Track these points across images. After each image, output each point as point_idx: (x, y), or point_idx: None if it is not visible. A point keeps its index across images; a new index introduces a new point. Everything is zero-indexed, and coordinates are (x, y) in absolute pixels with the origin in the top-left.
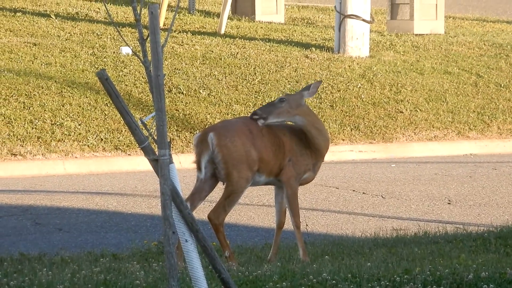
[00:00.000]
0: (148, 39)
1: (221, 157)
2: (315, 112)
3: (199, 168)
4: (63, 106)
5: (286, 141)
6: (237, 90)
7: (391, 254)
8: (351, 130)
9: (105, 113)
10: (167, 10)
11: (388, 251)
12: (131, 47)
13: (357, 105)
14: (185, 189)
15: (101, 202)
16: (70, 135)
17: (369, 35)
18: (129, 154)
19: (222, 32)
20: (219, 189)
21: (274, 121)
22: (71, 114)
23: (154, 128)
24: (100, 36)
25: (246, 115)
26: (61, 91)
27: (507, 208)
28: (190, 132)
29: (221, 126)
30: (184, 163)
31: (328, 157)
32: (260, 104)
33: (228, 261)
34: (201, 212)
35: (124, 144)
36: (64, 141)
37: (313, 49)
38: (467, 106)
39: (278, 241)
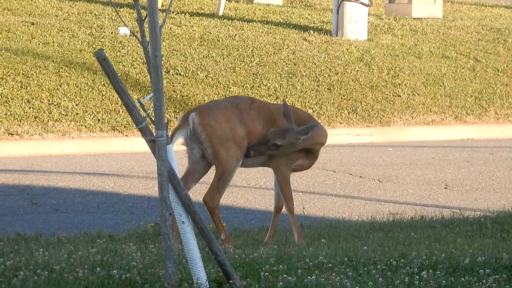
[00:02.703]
0: (146, 19)
1: (205, 135)
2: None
3: (170, 139)
4: (60, 86)
5: (281, 123)
6: (234, 72)
7: (387, 238)
8: (349, 114)
9: (102, 94)
10: None
11: (384, 235)
12: (129, 28)
13: (354, 89)
14: (182, 170)
15: (98, 183)
16: (68, 115)
17: (367, 18)
18: (126, 135)
19: (220, 13)
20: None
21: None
22: (68, 94)
23: (152, 109)
24: (98, 16)
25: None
26: (59, 71)
27: (504, 193)
28: None
29: (205, 105)
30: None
31: None
32: (258, 87)
33: (224, 243)
34: (198, 194)
35: (122, 124)
36: (61, 121)
37: (311, 31)
38: (464, 90)
39: (275, 224)
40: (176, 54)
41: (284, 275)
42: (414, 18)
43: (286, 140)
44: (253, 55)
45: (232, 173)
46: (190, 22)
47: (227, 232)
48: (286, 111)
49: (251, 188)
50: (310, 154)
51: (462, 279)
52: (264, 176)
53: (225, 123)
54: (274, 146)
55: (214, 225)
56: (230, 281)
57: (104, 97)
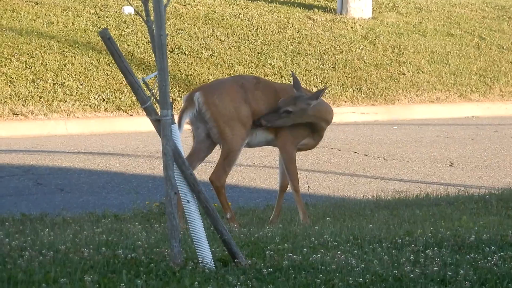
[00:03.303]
0: None
1: (210, 114)
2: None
3: (179, 122)
4: (65, 66)
5: None
6: (239, 50)
7: (392, 216)
8: (353, 92)
9: (107, 73)
10: None
11: (389, 213)
12: (134, 7)
13: (359, 67)
14: (187, 149)
15: (103, 163)
16: (72, 95)
17: None
18: (131, 115)
19: None
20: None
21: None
22: (73, 74)
23: (157, 88)
24: None
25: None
26: (63, 51)
27: (509, 171)
28: None
29: (209, 85)
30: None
31: None
32: (263, 65)
33: (230, 222)
34: (203, 173)
35: (126, 104)
36: (66, 101)
37: (316, 10)
38: (469, 68)
39: (281, 203)
40: (181, 33)
41: (290, 254)
42: None
43: (297, 106)
44: (257, 34)
45: (238, 152)
46: (194, 1)
47: (233, 211)
48: (295, 80)
49: (256, 167)
50: (315, 133)
51: (468, 256)
52: (269, 155)
53: (230, 102)
54: (285, 113)
55: (219, 204)
56: (236, 260)
57: (108, 76)
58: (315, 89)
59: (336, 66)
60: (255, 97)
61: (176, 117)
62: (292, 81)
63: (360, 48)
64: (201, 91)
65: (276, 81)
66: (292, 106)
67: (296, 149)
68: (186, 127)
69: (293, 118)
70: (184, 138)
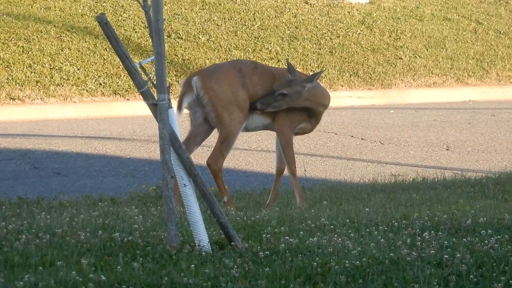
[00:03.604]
0: None
1: (208, 99)
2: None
3: (179, 107)
4: (62, 51)
5: None
6: (236, 35)
7: (389, 199)
8: (350, 76)
9: (104, 58)
10: None
11: (386, 196)
12: None
13: (356, 51)
14: (184, 134)
15: (100, 147)
16: (69, 80)
17: None
18: (128, 99)
19: None
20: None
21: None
22: (70, 59)
23: (153, 73)
24: None
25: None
26: (60, 36)
27: (506, 154)
28: None
29: (207, 69)
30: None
31: None
32: (260, 50)
33: (226, 206)
34: (200, 157)
35: (123, 89)
36: (63, 86)
37: None
38: (466, 52)
39: (277, 186)
40: (178, 18)
41: (286, 237)
42: None
43: (292, 88)
44: (254, 19)
45: (235, 136)
46: None
47: (230, 195)
48: (289, 65)
49: (253, 151)
50: (312, 117)
51: (464, 240)
52: (265, 138)
53: (227, 86)
54: (280, 96)
55: (216, 187)
56: (232, 243)
57: (105, 61)
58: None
59: (333, 51)
60: (253, 82)
61: (173, 102)
62: (287, 67)
63: (357, 32)
64: (199, 76)
65: (273, 66)
66: (287, 89)
67: (293, 133)
68: (185, 111)
69: (288, 101)
70: (181, 122)
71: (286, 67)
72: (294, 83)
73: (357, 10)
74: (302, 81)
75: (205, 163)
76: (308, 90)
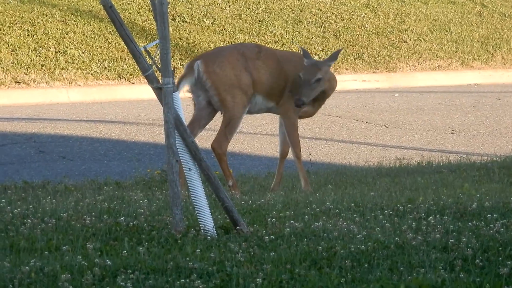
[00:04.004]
0: None
1: (211, 83)
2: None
3: (177, 86)
4: (67, 34)
5: (290, 72)
6: (240, 18)
7: (394, 183)
8: (355, 60)
9: (108, 41)
10: None
11: (391, 180)
12: None
13: (361, 35)
14: (188, 117)
15: (105, 131)
16: (74, 63)
17: None
18: (132, 83)
19: None
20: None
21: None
22: (74, 42)
23: (158, 56)
24: None
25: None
26: (65, 19)
27: (511, 138)
28: None
29: (210, 53)
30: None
31: None
32: (264, 33)
33: (231, 190)
34: (205, 141)
35: (128, 72)
36: (67, 69)
37: None
38: (471, 36)
39: (281, 170)
40: (182, 1)
41: (291, 221)
42: None
43: (323, 70)
44: (259, 2)
45: (239, 119)
46: None
47: (234, 179)
48: (304, 51)
49: (257, 134)
50: (316, 101)
51: (470, 224)
52: (270, 122)
53: (230, 70)
54: (316, 82)
55: (221, 171)
56: (237, 227)
57: (110, 45)
58: (316, 57)
59: (338, 34)
60: (256, 66)
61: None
62: (302, 52)
63: (362, 15)
64: (202, 59)
65: (278, 49)
66: (319, 72)
67: (298, 117)
68: (187, 95)
69: (322, 84)
70: (186, 106)
71: (290, 50)
72: (321, 65)
73: None
74: (327, 61)
75: (210, 147)
76: (326, 73)
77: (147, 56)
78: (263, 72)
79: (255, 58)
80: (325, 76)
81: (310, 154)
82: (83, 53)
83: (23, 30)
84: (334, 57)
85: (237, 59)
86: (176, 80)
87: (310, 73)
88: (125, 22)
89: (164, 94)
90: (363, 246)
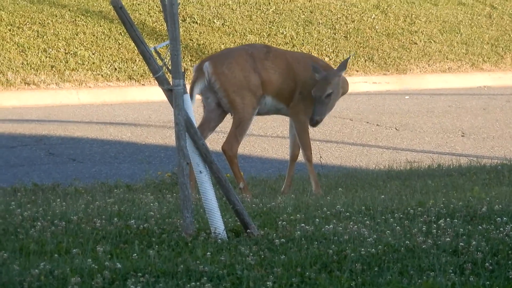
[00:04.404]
0: None
1: (220, 84)
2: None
3: (191, 94)
4: (76, 35)
5: (300, 73)
6: (251, 20)
7: (404, 186)
8: (365, 62)
9: (119, 43)
10: None
11: (402, 183)
12: None
13: (371, 36)
14: (199, 119)
15: (115, 133)
16: (84, 65)
17: None
18: (143, 84)
19: None
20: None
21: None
22: (85, 43)
23: (168, 58)
24: None
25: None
26: (75, 20)
27: None
28: None
29: (218, 54)
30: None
31: None
32: (275, 35)
33: (242, 192)
34: (215, 143)
35: (138, 74)
36: (78, 71)
37: None
38: (481, 37)
39: (292, 173)
40: (193, 2)
41: (302, 224)
42: None
43: (332, 83)
44: (269, 3)
45: (249, 121)
46: None
47: (245, 181)
48: (314, 67)
49: (268, 137)
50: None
51: (480, 227)
52: (281, 125)
53: (239, 71)
54: (328, 97)
55: (232, 174)
56: (248, 230)
57: (120, 46)
58: (327, 59)
59: (348, 36)
60: (265, 67)
61: (188, 87)
62: (312, 68)
63: (372, 17)
64: (210, 61)
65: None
66: (330, 86)
67: (309, 119)
68: (198, 97)
69: (335, 96)
70: (196, 108)
71: (300, 51)
72: (331, 77)
73: None
74: (337, 71)
75: (221, 149)
76: (340, 79)
77: (158, 58)
78: (272, 73)
79: (264, 58)
80: (335, 89)
81: (320, 157)
82: (93, 54)
83: (32, 30)
84: (343, 66)
85: (245, 60)
86: (188, 86)
87: (320, 89)
88: (136, 23)
89: (174, 96)
90: (373, 250)
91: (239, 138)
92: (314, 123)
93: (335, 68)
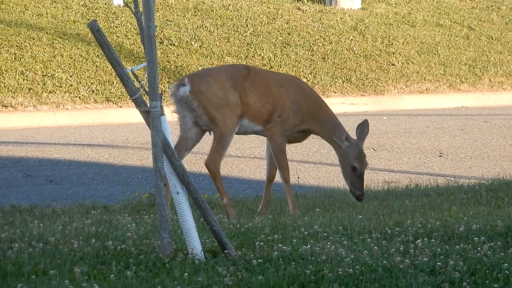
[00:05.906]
0: None
1: (198, 103)
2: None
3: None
4: (54, 58)
5: (281, 96)
6: (228, 42)
7: (382, 206)
8: (343, 83)
9: (96, 65)
10: None
11: (379, 203)
12: None
13: (349, 58)
14: (176, 141)
15: (93, 154)
16: (62, 87)
17: None
18: (120, 106)
19: None
20: (209, 140)
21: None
22: (62, 66)
23: (146, 80)
24: None
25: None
26: (53, 42)
27: (498, 161)
28: None
29: (196, 73)
30: (176, 115)
31: None
32: (252, 56)
33: (226, 208)
34: (193, 164)
35: (116, 96)
36: (55, 93)
37: (305, 1)
38: (458, 58)
39: (268, 194)
40: (170, 24)
41: (279, 245)
42: None
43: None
44: (247, 25)
45: (231, 136)
46: None
47: (229, 197)
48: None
49: (245, 158)
50: (307, 131)
51: (457, 246)
52: (258, 146)
53: (218, 89)
54: (352, 169)
55: (209, 194)
56: (225, 251)
57: (98, 68)
58: (305, 80)
59: (326, 57)
60: (244, 89)
61: (165, 109)
62: (341, 138)
63: (350, 38)
64: (188, 79)
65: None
66: (345, 157)
67: (286, 140)
68: (174, 117)
69: (351, 159)
70: (174, 129)
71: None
72: (344, 151)
73: (349, 16)
74: (341, 142)
75: (198, 170)
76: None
77: (135, 80)
78: (251, 96)
79: (243, 80)
80: (347, 156)
81: (298, 177)
82: (71, 76)
83: (10, 53)
84: (343, 139)
85: (225, 78)
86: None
87: (345, 165)
88: (113, 45)
89: (151, 117)
90: (351, 270)
91: (221, 153)
92: (360, 199)
93: (358, 137)
